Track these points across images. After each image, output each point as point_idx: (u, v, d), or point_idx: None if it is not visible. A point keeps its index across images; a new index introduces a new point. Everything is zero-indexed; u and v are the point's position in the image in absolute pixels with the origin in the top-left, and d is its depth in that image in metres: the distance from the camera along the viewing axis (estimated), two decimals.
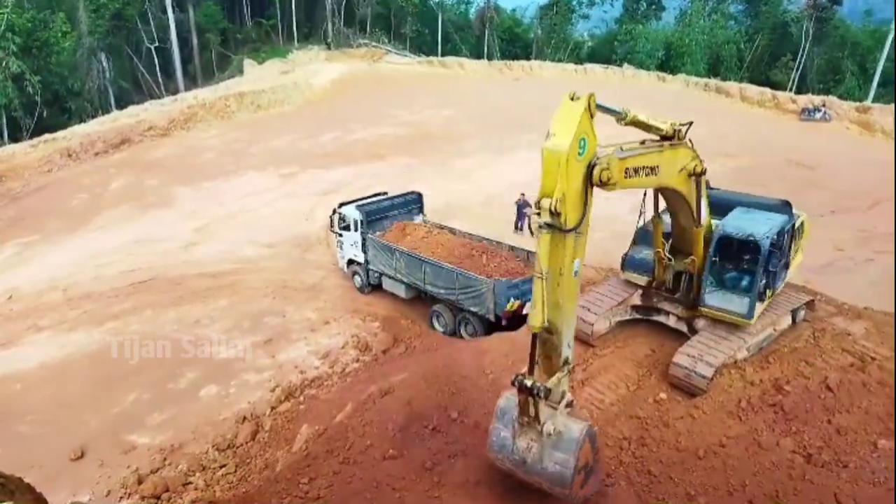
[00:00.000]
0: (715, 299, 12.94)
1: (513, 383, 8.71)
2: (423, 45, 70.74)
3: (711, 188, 14.57)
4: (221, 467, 13.00)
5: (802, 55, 56.09)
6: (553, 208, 7.82)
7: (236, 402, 14.97)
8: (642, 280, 14.19)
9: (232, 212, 27.94)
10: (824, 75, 56.19)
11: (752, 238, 12.36)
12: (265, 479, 12.00)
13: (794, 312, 13.94)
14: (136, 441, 13.79)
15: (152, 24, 58.23)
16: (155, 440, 13.78)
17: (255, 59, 60.41)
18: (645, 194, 12.32)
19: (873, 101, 43.53)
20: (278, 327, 18.17)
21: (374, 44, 65.59)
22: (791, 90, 51.12)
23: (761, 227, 12.51)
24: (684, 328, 13.90)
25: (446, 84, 52.30)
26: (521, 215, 24.22)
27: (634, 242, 14.41)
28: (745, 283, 12.69)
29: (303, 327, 18.14)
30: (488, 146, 36.06)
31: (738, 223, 12.72)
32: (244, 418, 14.38)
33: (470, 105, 45.13)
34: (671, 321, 14.22)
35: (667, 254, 13.27)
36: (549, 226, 8.01)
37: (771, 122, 39.72)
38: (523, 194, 24.50)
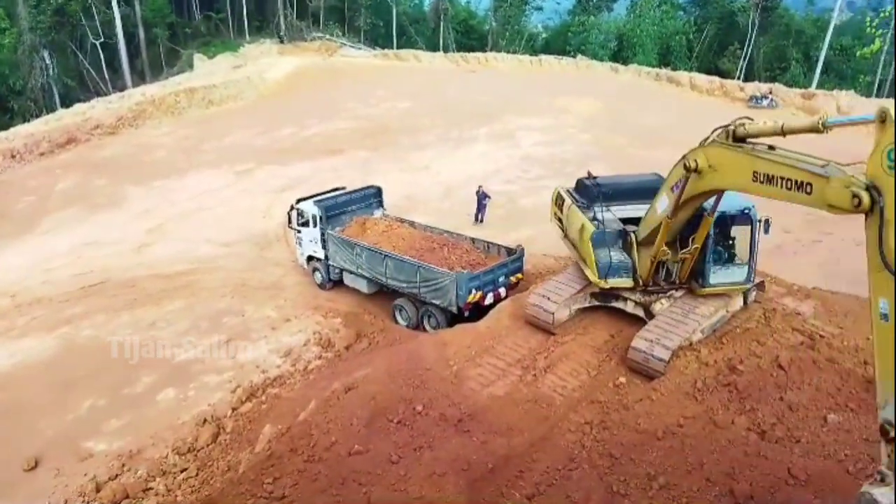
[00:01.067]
0: (718, 277, 13.60)
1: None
2: (377, 38, 70.21)
3: (595, 177, 15.23)
4: (182, 471, 12.75)
5: (749, 44, 57.67)
6: None
7: (196, 405, 14.69)
8: (629, 283, 14.19)
9: (186, 211, 27.29)
10: (770, 63, 57.92)
11: (746, 211, 12.91)
12: (228, 480, 11.84)
13: (745, 294, 14.38)
14: (93, 448, 13.41)
15: (97, 18, 56.24)
16: (112, 446, 13.42)
17: (205, 53, 58.89)
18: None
19: (817, 88, 45.10)
20: (238, 327, 17.86)
21: (328, 37, 64.74)
22: (739, 78, 52.53)
23: (741, 201, 12.95)
24: (641, 313, 14.22)
25: (402, 77, 52.03)
26: (480, 207, 24.33)
27: (595, 247, 14.19)
28: (737, 254, 13.51)
29: (263, 326, 17.88)
30: (446, 139, 36.05)
31: (725, 202, 12.91)
32: (205, 420, 14.12)
33: (427, 98, 45.01)
34: (629, 307, 14.53)
35: (665, 249, 13.32)
36: None
37: (720, 110, 40.67)
38: (482, 186, 24.63)
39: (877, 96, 43.79)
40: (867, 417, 10.67)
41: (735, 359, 12.47)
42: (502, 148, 34.34)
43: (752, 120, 10.20)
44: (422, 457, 11.10)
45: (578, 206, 15.15)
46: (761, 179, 9.45)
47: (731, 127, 10.33)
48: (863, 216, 7.40)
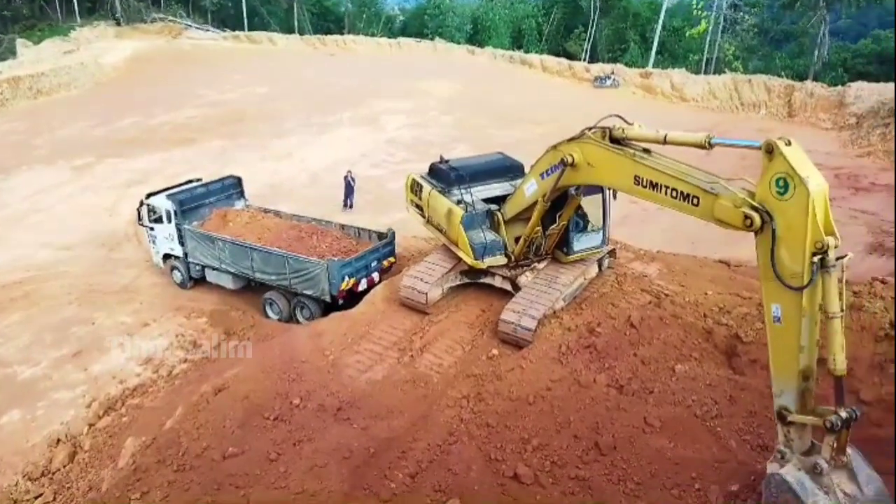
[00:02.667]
0: (581, 244, 14.53)
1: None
2: (226, 20, 66.37)
3: (446, 160, 15.86)
4: (37, 497, 11.74)
5: (592, 27, 61.27)
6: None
7: (47, 425, 13.44)
8: (503, 260, 14.65)
9: (18, 213, 24.48)
10: (612, 45, 61.89)
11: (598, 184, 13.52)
12: (91, 501, 10.97)
13: (599, 262, 15.46)
14: None
15: None
16: None
17: (29, 38, 52.56)
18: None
19: (653, 67, 48.94)
20: (88, 337, 16.40)
21: (170, 18, 60.27)
22: (584, 60, 55.67)
23: None
24: (509, 287, 14.82)
25: (257, 60, 49.75)
26: (348, 193, 24.02)
27: (466, 230, 14.48)
28: (591, 222, 14.43)
29: (118, 333, 16.52)
30: (308, 124, 35.10)
31: None
32: (58, 440, 13.01)
33: (284, 82, 43.45)
34: (497, 282, 15.09)
35: (538, 228, 13.90)
36: None
37: (569, 90, 43.10)
38: (349, 171, 24.31)
39: (705, 73, 48.20)
40: (708, 365, 11.95)
41: (593, 322, 13.36)
42: (367, 132, 34.05)
43: (623, 119, 10.46)
44: (301, 450, 10.89)
45: (439, 191, 15.39)
46: (644, 184, 9.81)
47: (608, 128, 10.56)
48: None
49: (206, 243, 17.96)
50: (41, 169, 29.06)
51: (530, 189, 13.20)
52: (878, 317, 11.27)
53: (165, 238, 18.85)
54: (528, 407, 11.53)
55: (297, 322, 17.12)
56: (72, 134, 34.14)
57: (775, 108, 37.26)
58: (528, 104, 37.08)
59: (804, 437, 8.12)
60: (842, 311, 7.51)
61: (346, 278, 16.14)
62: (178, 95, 40.16)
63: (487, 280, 15.22)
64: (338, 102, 38.41)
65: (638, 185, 9.89)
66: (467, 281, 15.52)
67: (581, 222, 14.47)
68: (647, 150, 10.05)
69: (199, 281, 19.05)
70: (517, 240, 14.39)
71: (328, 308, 16.55)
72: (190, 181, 19.88)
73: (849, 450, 7.76)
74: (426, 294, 14.63)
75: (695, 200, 8.97)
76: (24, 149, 31.88)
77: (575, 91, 42.57)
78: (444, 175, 15.64)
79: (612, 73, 44.20)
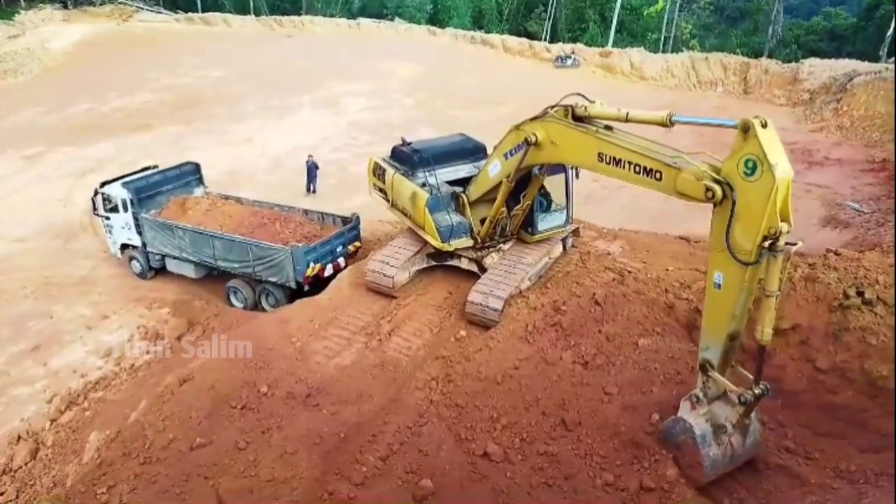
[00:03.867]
0: (545, 223, 14.63)
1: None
2: (179, 1, 64.20)
3: (409, 143, 15.83)
4: None
5: (552, 7, 61.20)
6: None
7: (6, 422, 13.08)
8: (469, 242, 14.63)
9: None
10: (572, 24, 61.92)
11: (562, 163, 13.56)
12: (55, 498, 10.75)
13: (563, 241, 15.62)
14: None
15: None
16: None
17: None
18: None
19: (613, 46, 49.19)
20: (46, 331, 15.94)
21: (120, 0, 58.05)
22: (545, 40, 55.64)
23: None
24: (475, 268, 14.89)
25: (212, 43, 48.36)
26: (311, 177, 23.68)
27: (431, 213, 14.43)
28: (554, 201, 14.51)
29: (77, 326, 16.09)
30: (267, 108, 34.38)
31: None
32: (18, 437, 12.67)
33: (241, 65, 42.36)
34: (464, 263, 15.14)
35: (503, 209, 13.87)
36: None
37: (530, 70, 43.02)
38: (311, 156, 23.95)
39: (663, 51, 48.71)
40: (670, 339, 12.23)
41: (559, 300, 13.54)
42: (328, 115, 33.52)
43: (584, 97, 10.51)
44: (270, 438, 10.85)
45: (403, 174, 15.29)
46: (607, 161, 9.89)
47: (570, 106, 10.58)
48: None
49: (166, 232, 17.54)
50: None
51: (494, 170, 13.21)
52: (832, 287, 11.66)
53: (122, 228, 18.34)
54: (497, 386, 11.68)
55: (263, 310, 16.91)
56: (21, 122, 32.81)
57: (731, 85, 37.87)
58: (490, 84, 36.93)
59: (719, 387, 9.12)
60: (779, 290, 8.07)
61: (312, 264, 15.98)
62: (131, 80, 38.86)
63: (454, 262, 15.26)
64: (297, 85, 37.68)
65: (602, 161, 10.00)
66: (434, 263, 15.53)
67: (545, 202, 14.56)
68: (608, 128, 10.15)
69: (160, 271, 18.64)
70: (482, 221, 14.40)
71: (294, 295, 16.39)
72: (146, 168, 19.29)
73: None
74: (393, 278, 14.61)
75: (657, 175, 9.13)
76: None
77: (536, 71, 42.51)
78: (407, 158, 15.50)
79: (573, 52, 44.25)
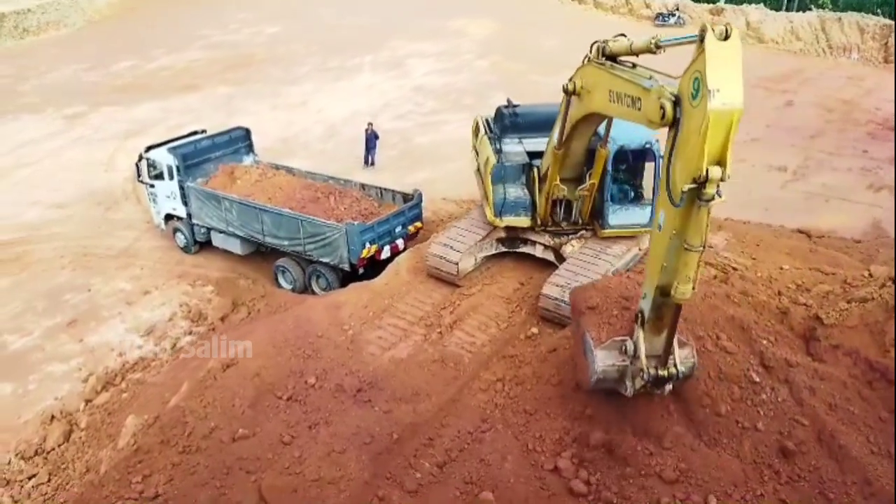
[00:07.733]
0: (619, 217, 14.07)
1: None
2: None
3: (515, 105, 15.56)
4: (31, 478, 12.18)
5: None
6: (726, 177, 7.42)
7: (40, 400, 13.96)
8: (526, 221, 14.59)
9: (2, 167, 25.11)
10: None
11: (648, 145, 13.28)
12: (88, 484, 11.37)
13: None
14: None
15: None
16: None
17: None
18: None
19: (726, 2, 47.41)
20: (84, 305, 16.92)
21: None
22: None
23: (644, 133, 13.16)
24: (552, 257, 14.76)
25: None
26: (370, 148, 24.03)
27: (493, 182, 14.58)
28: (641, 193, 14.05)
29: (116, 301, 17.02)
30: (325, 69, 35.09)
31: (625, 135, 13.29)
32: (52, 417, 13.49)
33: (299, 21, 43.35)
34: (538, 251, 15.03)
35: (561, 186, 13.65)
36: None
37: (626, 29, 41.58)
38: (371, 124, 24.27)
39: (787, 10, 46.58)
40: (783, 350, 11.77)
41: None
42: (391, 78, 33.90)
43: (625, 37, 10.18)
44: (318, 434, 11.14)
45: (489, 138, 15.29)
46: (613, 98, 9.76)
47: (601, 43, 10.34)
48: None
49: (212, 203, 18.22)
50: (28, 118, 29.70)
51: (555, 136, 13.02)
52: None
53: (167, 197, 19.18)
54: (573, 393, 11.56)
55: (313, 293, 17.36)
56: (62, 78, 34.69)
57: (869, 51, 35.97)
58: (575, 47, 36.20)
59: (654, 345, 9.24)
60: (702, 245, 7.76)
61: (367, 245, 16.23)
62: (179, 36, 40.42)
63: (527, 249, 15.18)
64: (358, 44, 38.22)
65: (610, 101, 9.90)
66: (504, 250, 15.49)
67: (625, 192, 14.15)
68: (634, 66, 9.80)
69: (205, 245, 19.41)
70: (556, 203, 14.26)
71: (347, 278, 16.73)
72: (194, 133, 20.10)
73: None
74: (457, 264, 14.65)
75: (638, 104, 8.87)
76: (9, 95, 32.57)
77: (632, 31, 41.06)
78: (502, 120, 15.63)
79: (677, 8, 43.03)
